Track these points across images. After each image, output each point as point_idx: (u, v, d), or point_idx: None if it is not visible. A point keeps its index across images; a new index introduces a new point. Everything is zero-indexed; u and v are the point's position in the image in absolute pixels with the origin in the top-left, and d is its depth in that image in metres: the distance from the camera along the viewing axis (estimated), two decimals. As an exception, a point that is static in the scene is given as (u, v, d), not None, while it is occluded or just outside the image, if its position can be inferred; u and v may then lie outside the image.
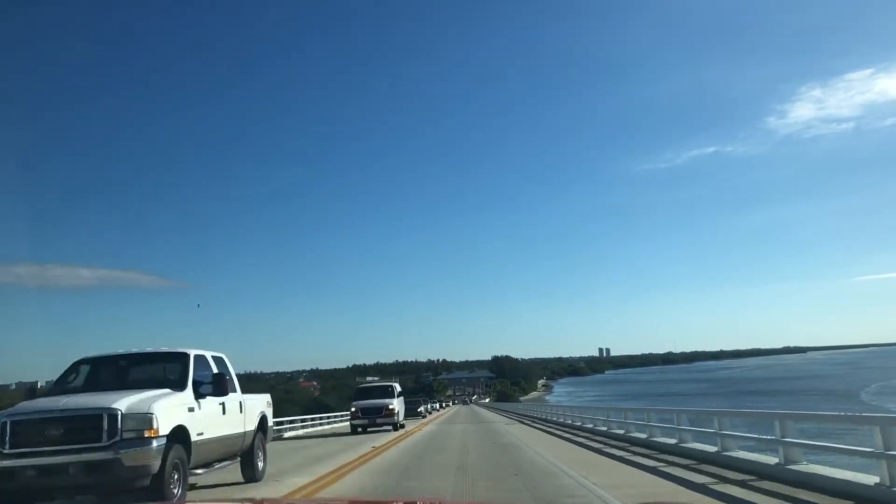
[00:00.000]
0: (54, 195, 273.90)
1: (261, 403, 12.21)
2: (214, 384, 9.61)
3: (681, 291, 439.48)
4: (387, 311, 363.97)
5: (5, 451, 7.58)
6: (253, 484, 11.17)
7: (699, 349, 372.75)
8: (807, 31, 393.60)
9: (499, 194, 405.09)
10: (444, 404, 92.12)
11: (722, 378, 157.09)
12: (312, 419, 37.68)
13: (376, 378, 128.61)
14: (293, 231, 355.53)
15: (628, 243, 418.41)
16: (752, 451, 11.17)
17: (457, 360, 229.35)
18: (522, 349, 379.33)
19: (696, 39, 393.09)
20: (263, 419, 12.09)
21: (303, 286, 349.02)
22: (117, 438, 7.67)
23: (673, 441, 14.23)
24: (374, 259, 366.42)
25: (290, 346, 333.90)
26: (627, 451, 14.87)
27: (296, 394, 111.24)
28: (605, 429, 20.71)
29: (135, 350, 10.66)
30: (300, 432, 32.38)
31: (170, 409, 8.36)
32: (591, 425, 22.76)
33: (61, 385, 9.42)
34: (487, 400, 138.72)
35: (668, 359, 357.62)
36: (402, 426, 29.08)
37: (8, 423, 7.73)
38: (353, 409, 28.13)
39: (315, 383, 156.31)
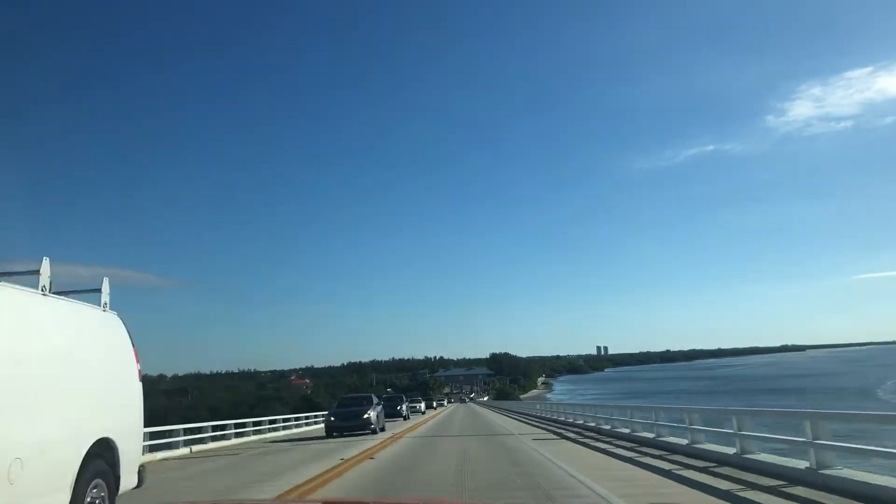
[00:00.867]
0: (51, 192, 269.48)
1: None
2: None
3: (678, 290, 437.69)
4: (384, 308, 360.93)
5: None
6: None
7: (696, 347, 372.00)
8: (806, 29, 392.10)
9: (496, 191, 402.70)
10: (437, 403, 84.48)
11: (726, 376, 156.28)
12: (286, 420, 33.93)
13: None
14: (291, 228, 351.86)
15: (626, 241, 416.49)
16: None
17: (454, 357, 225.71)
18: (520, 348, 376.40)
19: (695, 37, 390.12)
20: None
21: (300, 284, 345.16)
22: None
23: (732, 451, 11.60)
24: (371, 256, 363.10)
25: (286, 345, 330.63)
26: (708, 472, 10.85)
27: (286, 391, 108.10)
28: (628, 430, 17.82)
29: None
30: (271, 435, 28.84)
31: None
32: (626, 430, 18.21)
33: None
34: (486, 398, 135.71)
35: (667, 357, 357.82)
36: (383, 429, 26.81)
37: None
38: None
39: (308, 381, 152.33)
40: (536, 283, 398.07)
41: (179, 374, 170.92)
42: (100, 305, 6.86)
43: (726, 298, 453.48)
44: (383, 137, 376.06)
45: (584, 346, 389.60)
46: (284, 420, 33.30)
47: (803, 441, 8.98)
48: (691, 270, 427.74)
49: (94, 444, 5.82)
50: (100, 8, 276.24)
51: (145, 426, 7.46)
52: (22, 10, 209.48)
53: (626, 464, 12.16)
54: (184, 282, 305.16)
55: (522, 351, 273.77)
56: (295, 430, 32.55)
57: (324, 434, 25.56)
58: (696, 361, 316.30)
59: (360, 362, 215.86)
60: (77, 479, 5.46)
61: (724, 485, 8.97)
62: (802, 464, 9.06)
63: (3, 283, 5.18)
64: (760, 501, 7.66)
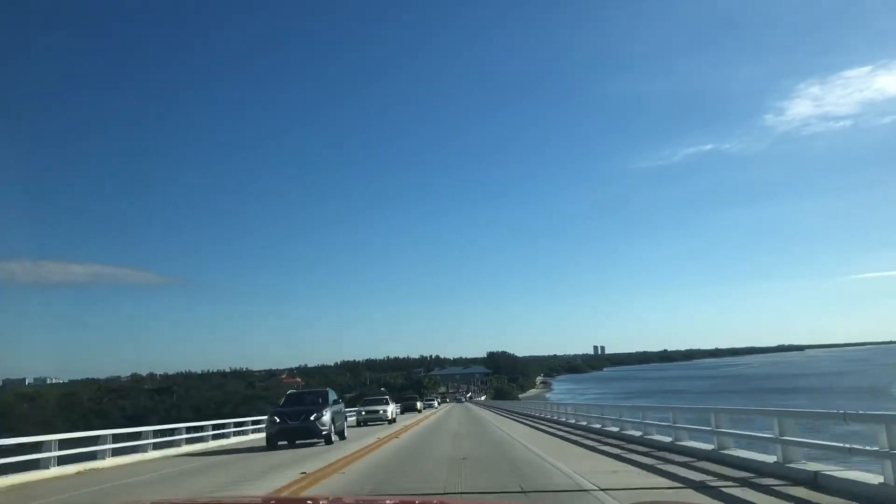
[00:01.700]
0: (48, 191, 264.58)
1: None
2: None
3: (676, 289, 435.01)
4: (379, 306, 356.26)
5: None
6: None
7: (694, 347, 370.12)
8: (805, 28, 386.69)
9: (494, 190, 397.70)
10: (425, 404, 71.47)
11: (730, 375, 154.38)
12: (239, 424, 28.83)
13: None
14: (286, 227, 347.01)
15: (624, 241, 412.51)
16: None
17: (450, 356, 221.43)
18: (517, 347, 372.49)
19: (693, 36, 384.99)
20: None
21: (296, 283, 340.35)
22: None
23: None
24: (367, 254, 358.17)
25: (280, 344, 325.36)
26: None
27: (275, 390, 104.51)
28: (669, 440, 13.93)
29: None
30: (214, 444, 24.14)
31: None
32: (669, 439, 13.83)
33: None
34: (484, 397, 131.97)
35: (666, 356, 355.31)
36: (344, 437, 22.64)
37: None
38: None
39: (299, 380, 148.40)
40: (532, 282, 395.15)
41: (169, 373, 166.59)
42: None
43: (724, 297, 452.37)
44: (382, 137, 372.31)
45: (580, 346, 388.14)
46: (237, 425, 28.11)
47: (877, 451, 7.52)
48: (688, 270, 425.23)
49: None
50: (95, 7, 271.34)
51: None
52: (14, 6, 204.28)
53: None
54: (176, 279, 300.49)
55: (519, 350, 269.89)
56: (251, 437, 27.45)
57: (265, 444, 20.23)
58: (695, 361, 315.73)
59: (355, 361, 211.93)
60: None
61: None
62: (877, 479, 7.56)
63: None
64: None
